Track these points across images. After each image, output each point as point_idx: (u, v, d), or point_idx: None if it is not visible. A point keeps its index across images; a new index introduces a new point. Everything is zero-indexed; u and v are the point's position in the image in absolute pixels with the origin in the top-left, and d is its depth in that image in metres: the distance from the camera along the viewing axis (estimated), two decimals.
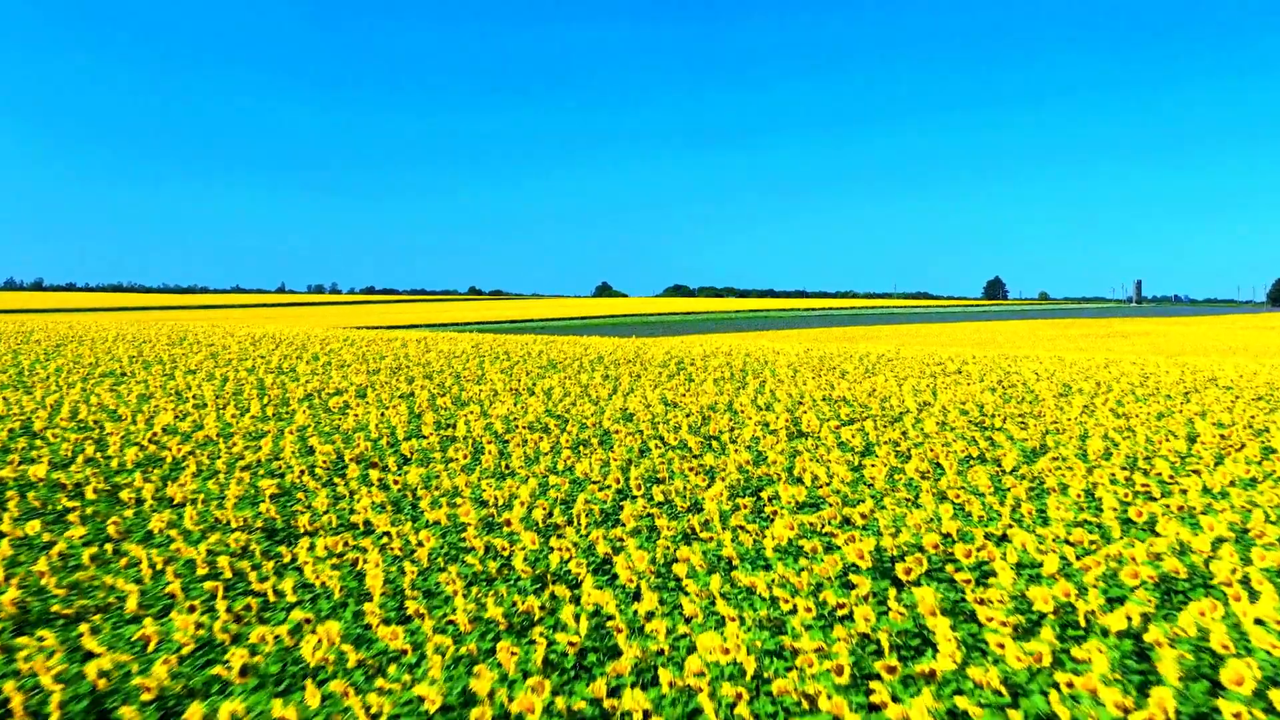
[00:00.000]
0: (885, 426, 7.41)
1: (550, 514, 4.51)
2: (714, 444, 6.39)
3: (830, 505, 4.76)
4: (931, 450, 6.20)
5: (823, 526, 4.33)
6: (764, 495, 4.91)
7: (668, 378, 10.96)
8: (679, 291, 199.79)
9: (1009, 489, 5.12)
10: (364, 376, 9.96)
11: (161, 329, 21.92)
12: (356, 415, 7.24)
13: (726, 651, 2.80)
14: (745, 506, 4.66)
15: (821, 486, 5.16)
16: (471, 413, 7.47)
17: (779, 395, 9.07)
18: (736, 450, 6.21)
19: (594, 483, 5.20)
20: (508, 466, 5.58)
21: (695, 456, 6.01)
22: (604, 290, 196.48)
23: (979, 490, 5.12)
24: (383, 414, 7.23)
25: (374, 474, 5.11)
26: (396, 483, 4.94)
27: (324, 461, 5.47)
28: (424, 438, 6.39)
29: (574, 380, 10.28)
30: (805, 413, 7.92)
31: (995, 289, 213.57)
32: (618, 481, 5.05)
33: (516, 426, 6.79)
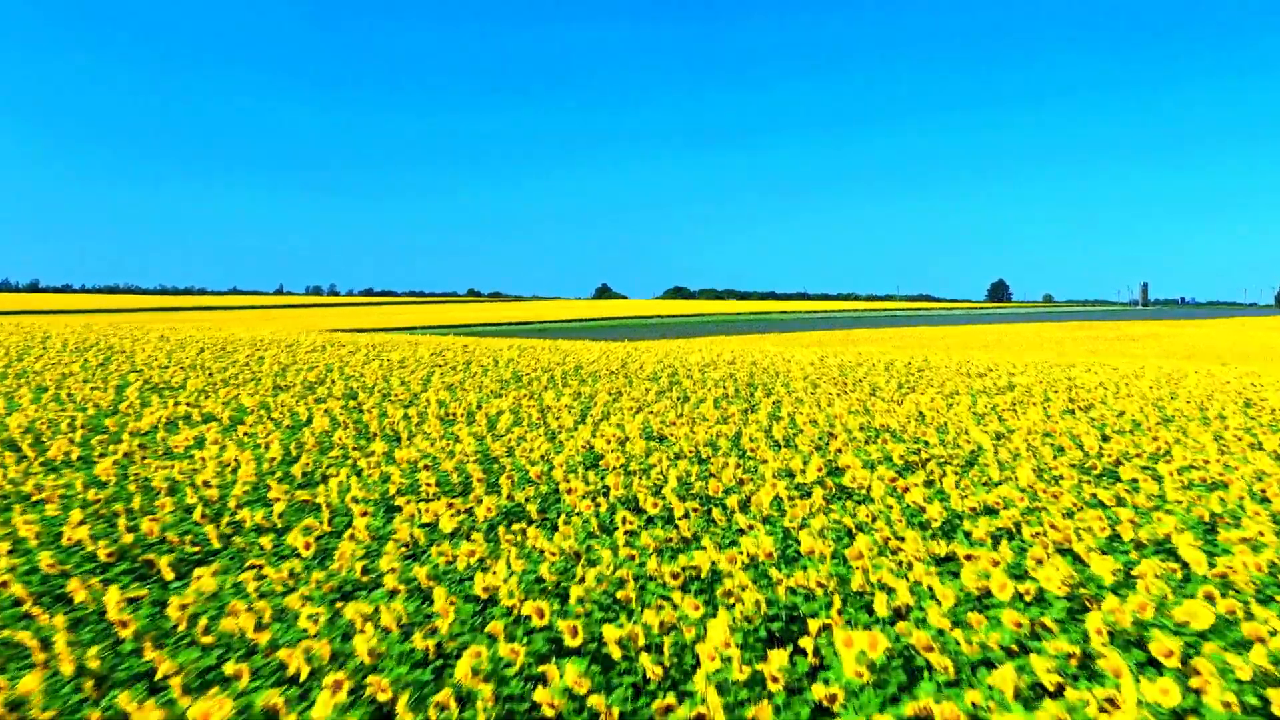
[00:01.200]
0: (959, 474, 5.18)
1: (390, 708, 2.29)
2: (715, 513, 4.16)
3: (937, 676, 2.53)
4: (1053, 527, 3.96)
5: None
6: (805, 644, 2.69)
7: (656, 395, 8.73)
8: (679, 293, 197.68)
9: (1236, 621, 2.91)
10: (259, 397, 7.73)
11: (79, 332, 19.69)
12: (200, 460, 5.02)
13: None
14: (774, 679, 2.43)
15: (904, 618, 2.94)
16: (371, 456, 5.24)
17: (800, 422, 6.84)
18: (751, 527, 3.99)
19: (505, 613, 2.97)
20: (369, 570, 3.35)
21: (684, 545, 3.78)
22: (604, 292, 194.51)
23: (1187, 629, 2.88)
24: (235, 460, 4.99)
25: (113, 596, 2.88)
26: (127, 625, 2.70)
27: (55, 561, 3.23)
28: (270, 504, 4.16)
29: (535, 400, 8.04)
30: (841, 452, 5.70)
31: (999, 291, 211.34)
32: (541, 615, 2.81)
33: (420, 484, 4.55)
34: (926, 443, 6.22)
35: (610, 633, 2.66)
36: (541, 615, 2.79)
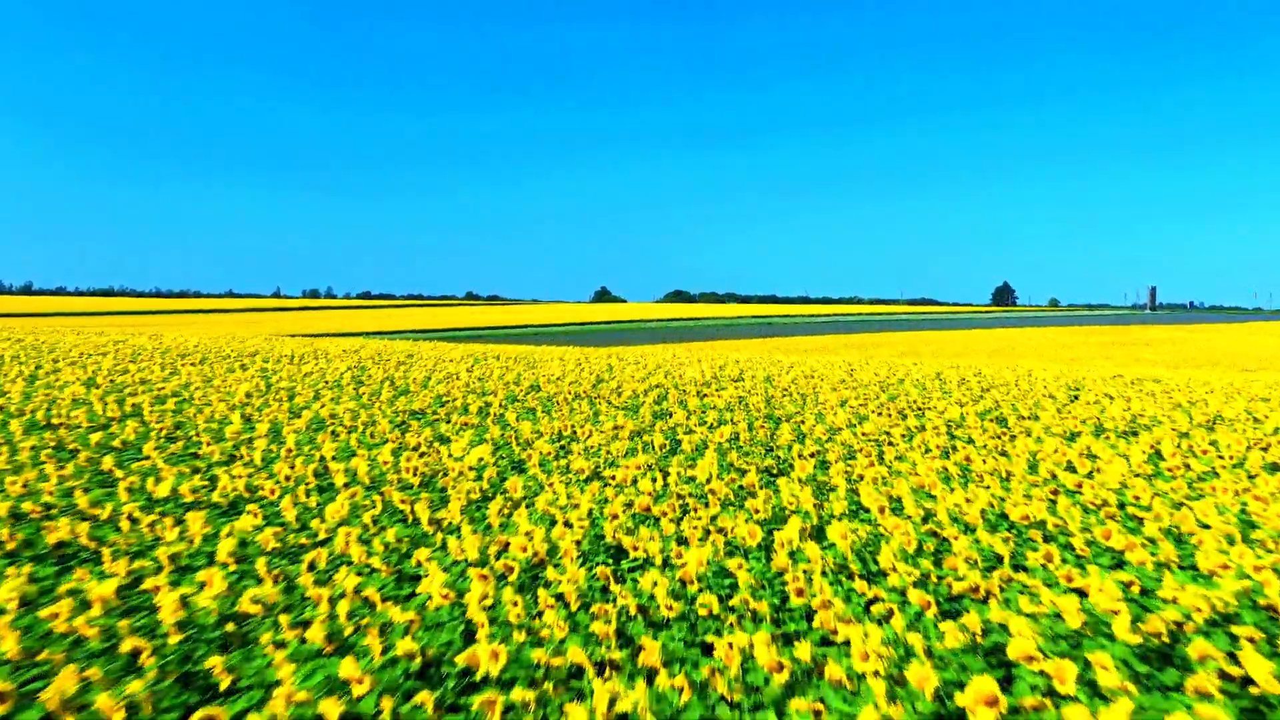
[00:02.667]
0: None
1: None
2: None
3: None
4: None
5: None
6: None
7: (631, 438, 5.77)
8: (679, 297, 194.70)
9: None
10: (22, 433, 4.77)
11: None
12: None
13: None
14: None
15: None
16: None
17: (871, 506, 3.86)
18: None
19: None
20: None
21: None
22: (603, 295, 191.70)
23: None
24: None
25: None
26: None
27: None
28: None
29: (432, 452, 5.08)
30: (981, 596, 2.74)
31: (1004, 295, 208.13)
32: None
33: None
34: (1128, 563, 3.25)
35: None
36: None
